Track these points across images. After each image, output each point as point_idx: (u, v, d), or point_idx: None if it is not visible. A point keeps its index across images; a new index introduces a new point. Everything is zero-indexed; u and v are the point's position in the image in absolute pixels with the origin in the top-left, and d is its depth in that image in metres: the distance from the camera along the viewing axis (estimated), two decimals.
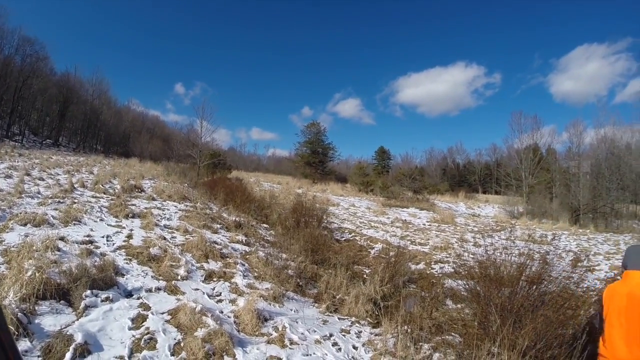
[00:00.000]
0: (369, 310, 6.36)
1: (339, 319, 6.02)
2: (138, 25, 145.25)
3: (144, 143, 56.76)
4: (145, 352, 3.71)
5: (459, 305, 7.01)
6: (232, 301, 5.47)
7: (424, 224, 17.64)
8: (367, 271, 9.35)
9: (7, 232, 6.38)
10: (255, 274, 6.91)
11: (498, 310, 4.97)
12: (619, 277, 3.10)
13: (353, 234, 13.64)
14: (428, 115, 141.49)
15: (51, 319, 3.95)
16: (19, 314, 3.63)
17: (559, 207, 29.43)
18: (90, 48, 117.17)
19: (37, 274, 4.32)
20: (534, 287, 5.56)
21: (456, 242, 13.48)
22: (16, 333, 3.49)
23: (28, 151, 26.23)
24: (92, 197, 11.02)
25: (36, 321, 3.79)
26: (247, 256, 7.82)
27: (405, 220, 18.54)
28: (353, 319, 6.09)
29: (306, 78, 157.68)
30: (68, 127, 49.11)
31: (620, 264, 3.10)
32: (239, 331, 4.65)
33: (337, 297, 6.83)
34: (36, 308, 4.01)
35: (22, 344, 3.43)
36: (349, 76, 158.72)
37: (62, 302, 4.33)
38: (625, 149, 30.14)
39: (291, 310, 5.79)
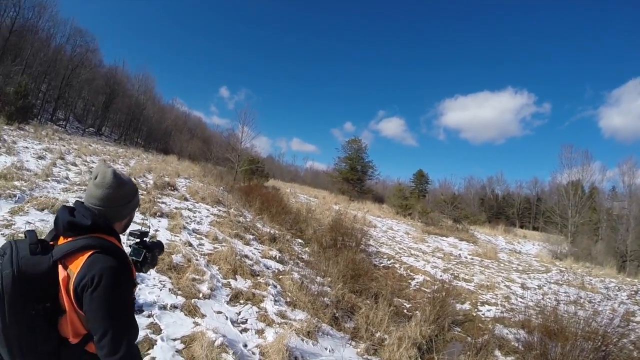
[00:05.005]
0: (412, 356, 5.45)
1: None
2: (190, 25, 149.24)
3: (184, 142, 57.43)
4: None
5: (509, 359, 6.15)
6: (259, 332, 4.63)
7: (466, 257, 16.38)
8: (407, 305, 8.47)
9: (21, 215, 5.85)
10: (288, 299, 6.04)
11: None
12: None
13: (392, 260, 12.62)
14: (472, 141, 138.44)
15: None
16: None
17: (604, 251, 27.37)
18: (141, 44, 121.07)
19: None
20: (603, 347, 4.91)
21: (502, 281, 12.28)
22: None
23: (69, 136, 26.45)
24: None
25: None
26: (280, 276, 6.97)
27: (446, 250, 17.39)
28: None
29: (352, 92, 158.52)
30: (112, 119, 50.10)
31: None
32: None
33: (377, 335, 5.95)
34: None
35: None
36: (395, 94, 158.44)
37: None
38: None
39: (326, 349, 4.89)
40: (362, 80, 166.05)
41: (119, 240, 1.65)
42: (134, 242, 1.92)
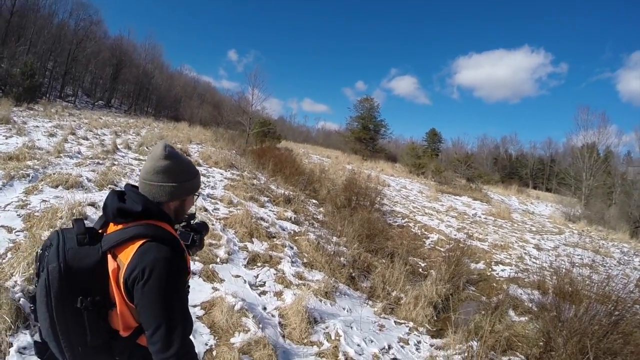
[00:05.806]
0: (428, 314, 5.51)
1: (395, 323, 5.23)
2: None
3: (195, 108, 56.95)
4: None
5: (522, 319, 6.09)
6: (278, 294, 4.68)
7: (480, 217, 16.38)
8: (422, 264, 8.56)
9: (36, 194, 5.75)
10: (305, 260, 6.11)
11: (566, 330, 4.53)
12: None
13: (406, 219, 12.72)
14: (486, 100, 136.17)
15: None
16: (22, 299, 2.91)
17: (617, 216, 27.05)
18: (146, 10, 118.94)
19: None
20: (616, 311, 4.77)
21: (516, 241, 12.27)
22: (12, 327, 2.79)
23: (79, 111, 26.31)
24: (135, 159, 10.49)
25: None
26: (296, 237, 7.03)
27: (460, 210, 17.46)
28: (411, 324, 5.30)
29: (363, 47, 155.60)
30: (120, 90, 49.64)
31: None
32: (284, 337, 3.85)
33: (393, 294, 6.01)
34: None
35: (21, 338, 2.74)
36: (408, 51, 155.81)
37: None
38: None
39: (344, 309, 4.96)
40: (375, 36, 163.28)
41: (172, 225, 1.54)
42: (180, 225, 1.81)
